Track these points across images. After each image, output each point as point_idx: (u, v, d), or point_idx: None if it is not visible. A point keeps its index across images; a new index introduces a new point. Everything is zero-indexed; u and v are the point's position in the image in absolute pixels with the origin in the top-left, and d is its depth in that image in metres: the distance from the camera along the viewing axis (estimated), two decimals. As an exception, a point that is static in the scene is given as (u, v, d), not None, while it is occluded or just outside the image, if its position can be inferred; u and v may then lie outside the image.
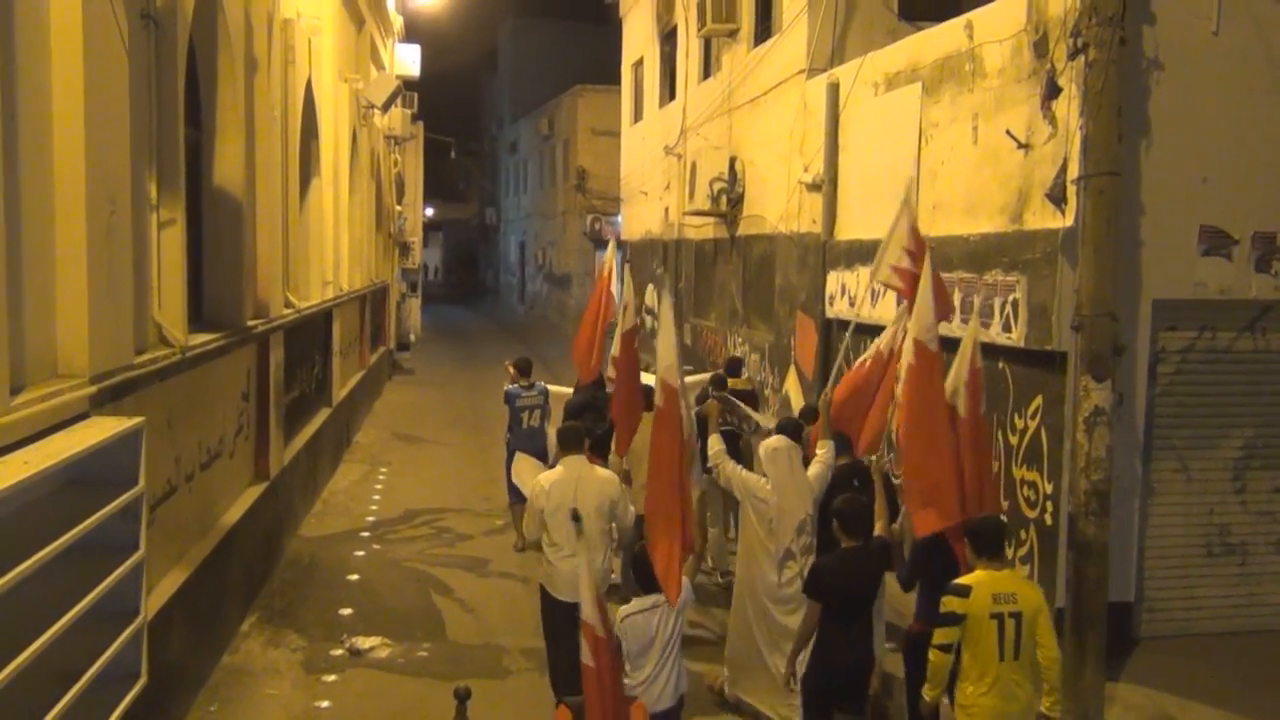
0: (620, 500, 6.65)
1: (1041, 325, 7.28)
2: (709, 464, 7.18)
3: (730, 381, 9.28)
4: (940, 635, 5.16)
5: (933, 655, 5.17)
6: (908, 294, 6.87)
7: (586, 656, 4.67)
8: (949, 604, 5.14)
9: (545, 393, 10.52)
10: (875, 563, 5.96)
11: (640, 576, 5.47)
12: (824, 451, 6.91)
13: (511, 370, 10.48)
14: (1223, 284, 7.42)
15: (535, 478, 6.85)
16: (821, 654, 5.82)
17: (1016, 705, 5.11)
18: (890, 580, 6.41)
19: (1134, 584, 7.55)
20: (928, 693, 5.28)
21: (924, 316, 6.34)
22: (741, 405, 9.09)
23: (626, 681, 5.15)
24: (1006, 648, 5.05)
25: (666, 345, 6.30)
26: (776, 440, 6.79)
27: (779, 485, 6.60)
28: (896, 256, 7.04)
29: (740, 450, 8.29)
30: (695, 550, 6.26)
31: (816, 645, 5.88)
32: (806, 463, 6.85)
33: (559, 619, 6.34)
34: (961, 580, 5.21)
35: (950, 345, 6.55)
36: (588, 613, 4.57)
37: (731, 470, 6.92)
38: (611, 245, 11.44)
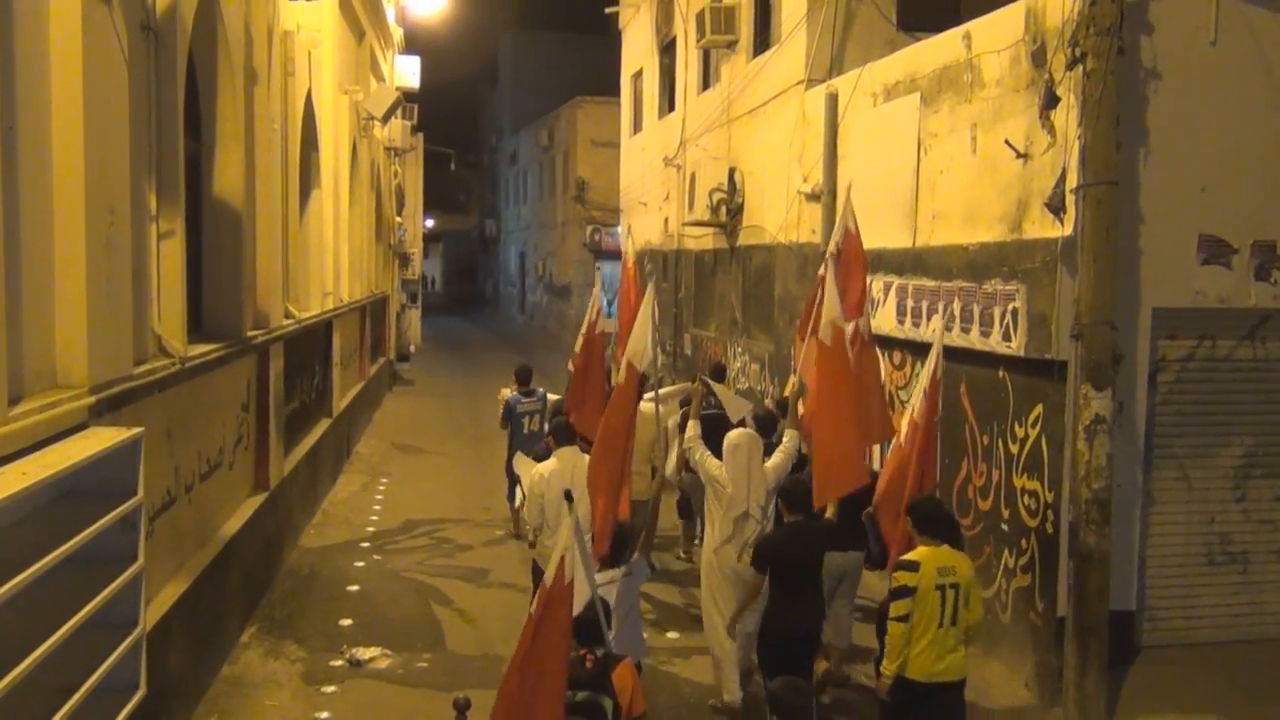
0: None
1: (1041, 334, 7.28)
2: (684, 446, 7.45)
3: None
4: (896, 608, 5.69)
5: (890, 627, 5.69)
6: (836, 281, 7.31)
7: (534, 607, 4.71)
8: (901, 578, 5.71)
9: (544, 399, 10.68)
10: (817, 536, 6.60)
11: (612, 553, 6.08)
12: (789, 441, 7.23)
13: (505, 393, 10.85)
14: (1222, 292, 7.42)
15: (534, 468, 7.48)
16: (773, 620, 6.39)
17: (944, 664, 5.73)
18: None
19: (1135, 593, 7.54)
20: (886, 667, 5.76)
21: (833, 307, 6.93)
22: (720, 391, 9.23)
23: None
24: (946, 614, 5.65)
25: (640, 333, 7.00)
26: (738, 435, 7.18)
27: (733, 477, 7.00)
28: (832, 248, 7.89)
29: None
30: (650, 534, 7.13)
31: (768, 613, 6.48)
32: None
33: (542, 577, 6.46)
34: (909, 556, 5.76)
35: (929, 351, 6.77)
36: (549, 574, 4.61)
37: (700, 455, 7.21)
38: (629, 246, 11.16)
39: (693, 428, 7.35)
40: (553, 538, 6.60)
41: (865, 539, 7.27)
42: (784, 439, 7.30)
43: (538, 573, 6.71)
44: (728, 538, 6.96)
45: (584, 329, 8.97)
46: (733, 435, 7.19)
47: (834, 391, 6.84)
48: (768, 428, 7.51)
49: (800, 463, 7.45)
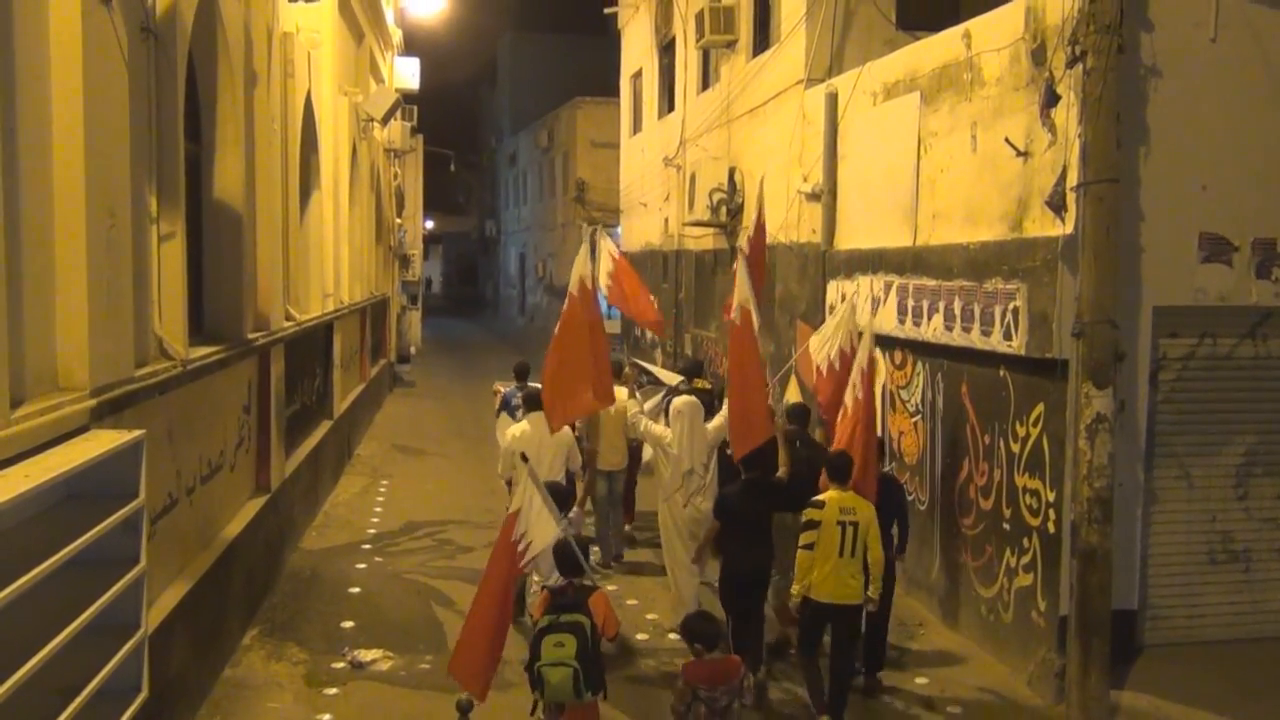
0: (571, 448, 8.79)
1: (1042, 333, 7.28)
2: (629, 421, 9.01)
3: (695, 382, 10.01)
4: (803, 538, 6.86)
5: (799, 555, 6.85)
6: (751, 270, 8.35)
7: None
8: (810, 514, 6.86)
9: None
10: (769, 492, 7.58)
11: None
12: (725, 410, 8.38)
13: (500, 387, 11.13)
14: (1223, 290, 7.42)
15: (510, 429, 8.94)
16: (730, 564, 7.46)
17: (846, 590, 6.80)
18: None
19: (1137, 591, 7.54)
20: (794, 587, 6.89)
21: (743, 291, 7.91)
22: (652, 369, 11.19)
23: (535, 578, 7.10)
24: (845, 547, 6.76)
25: (582, 259, 7.95)
26: (681, 402, 8.61)
27: (679, 438, 8.42)
28: (743, 240, 8.89)
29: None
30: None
31: (726, 558, 7.51)
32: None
33: None
34: (818, 497, 6.95)
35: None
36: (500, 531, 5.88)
37: (645, 426, 8.71)
38: (605, 241, 11.19)
39: (633, 406, 9.01)
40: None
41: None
42: (722, 406, 8.54)
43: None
44: (677, 489, 8.42)
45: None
46: (677, 402, 8.63)
47: (742, 362, 7.78)
48: (706, 398, 9.04)
49: (819, 451, 8.17)
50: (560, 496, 6.67)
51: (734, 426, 7.68)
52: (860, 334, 8.31)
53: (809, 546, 6.77)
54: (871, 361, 7.97)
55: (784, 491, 7.59)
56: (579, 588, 5.92)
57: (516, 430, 8.83)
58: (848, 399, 7.89)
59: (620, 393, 9.16)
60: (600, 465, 10.10)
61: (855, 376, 7.89)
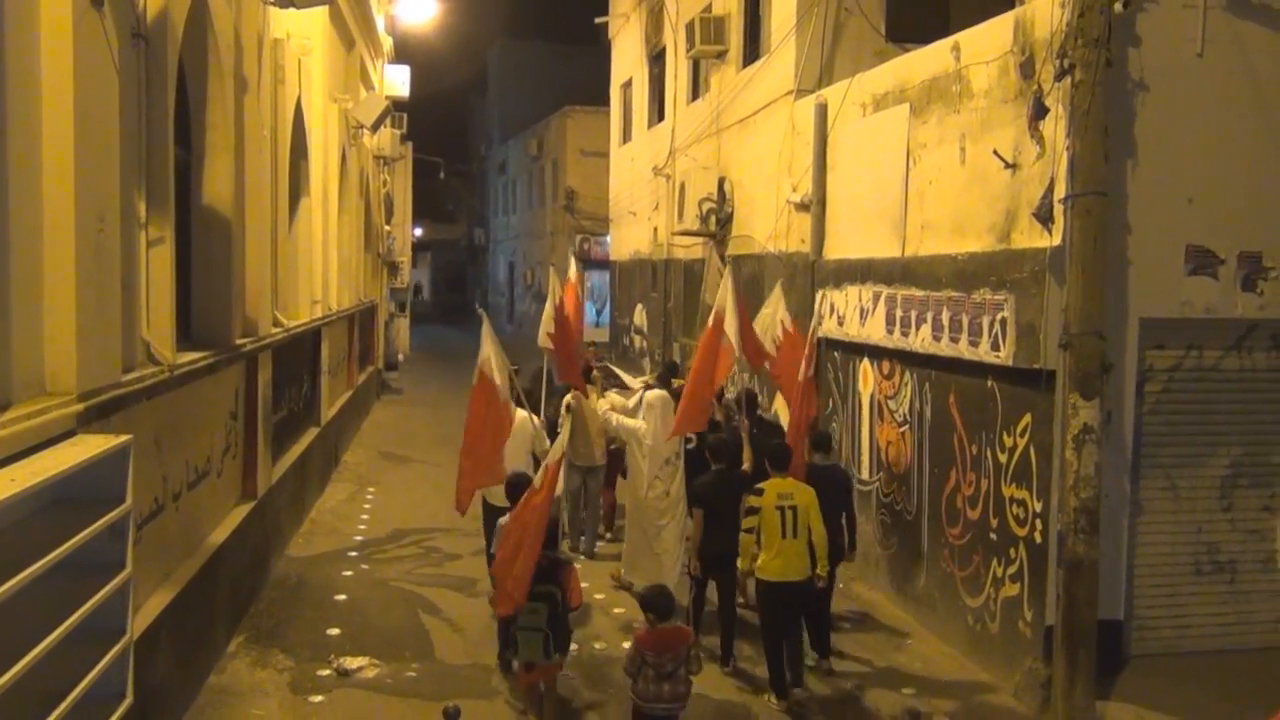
0: (536, 436, 9.04)
1: (1029, 344, 7.31)
2: (601, 419, 9.81)
3: (674, 382, 10.59)
4: (745, 522, 7.52)
5: (742, 538, 7.53)
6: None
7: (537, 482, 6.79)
8: (751, 501, 7.53)
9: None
10: (737, 481, 8.13)
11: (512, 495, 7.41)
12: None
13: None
14: (1209, 303, 7.47)
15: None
16: (703, 545, 8.00)
17: (792, 568, 7.39)
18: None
19: (1123, 602, 7.56)
20: (740, 564, 7.67)
21: (725, 296, 8.62)
22: (620, 374, 11.66)
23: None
24: (786, 529, 7.37)
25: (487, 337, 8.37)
26: (653, 396, 9.37)
27: (652, 430, 9.10)
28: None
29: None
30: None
31: (701, 540, 8.02)
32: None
33: (495, 520, 7.85)
34: (759, 485, 7.58)
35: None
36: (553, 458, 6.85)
37: (617, 421, 9.52)
38: (571, 264, 11.90)
39: (604, 404, 9.88)
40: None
41: None
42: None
43: (486, 506, 8.88)
44: (655, 477, 9.07)
45: (551, 311, 10.08)
46: (649, 396, 9.39)
47: (705, 357, 8.61)
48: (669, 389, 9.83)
49: (775, 430, 9.20)
50: (525, 484, 7.17)
51: (684, 409, 8.53)
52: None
53: (750, 530, 7.49)
54: (812, 348, 9.03)
55: (749, 481, 8.07)
56: (554, 560, 6.69)
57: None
58: (794, 392, 8.79)
59: (592, 395, 10.08)
60: (574, 459, 10.17)
61: (803, 365, 8.78)
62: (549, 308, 10.05)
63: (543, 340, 10.04)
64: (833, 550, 7.73)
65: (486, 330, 8.40)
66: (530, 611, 6.46)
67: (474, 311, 53.47)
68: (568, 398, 10.41)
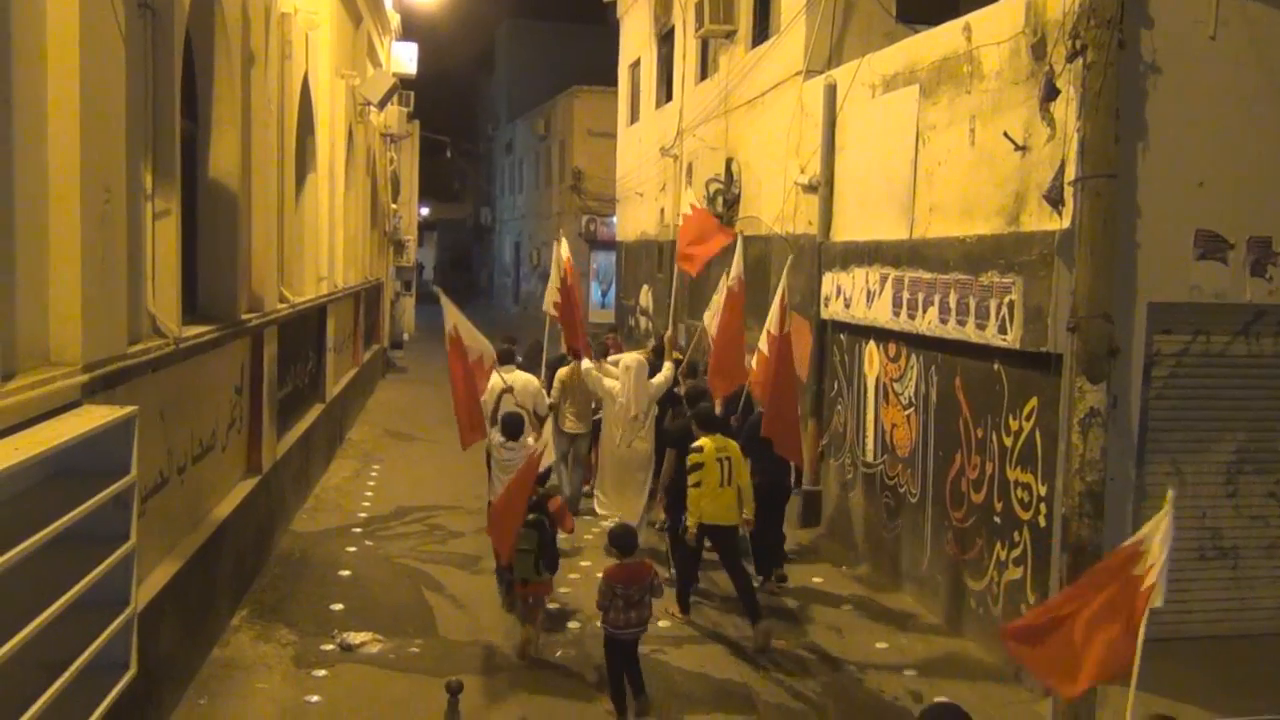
0: (538, 395, 10.39)
1: (1037, 327, 7.28)
2: (584, 375, 10.45)
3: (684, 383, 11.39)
4: (692, 478, 8.35)
5: (691, 493, 8.35)
6: (693, 270, 11.51)
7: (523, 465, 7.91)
8: (694, 459, 8.37)
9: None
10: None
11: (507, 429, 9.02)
12: (667, 368, 10.53)
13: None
14: (1218, 288, 7.42)
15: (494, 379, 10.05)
16: (675, 480, 8.92)
17: (725, 513, 8.38)
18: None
19: (1126, 587, 7.54)
20: (689, 521, 8.37)
21: (739, 266, 10.14)
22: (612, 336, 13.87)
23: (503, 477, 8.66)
24: (723, 478, 8.34)
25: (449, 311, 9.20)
26: (629, 358, 10.35)
27: (625, 389, 9.99)
28: (685, 244, 11.34)
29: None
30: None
31: (673, 480, 9.01)
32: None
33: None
34: (698, 443, 8.47)
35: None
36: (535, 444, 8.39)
37: (595, 377, 10.30)
38: (563, 244, 12.33)
39: (586, 363, 10.55)
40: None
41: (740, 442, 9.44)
42: (664, 368, 10.55)
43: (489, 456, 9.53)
44: (622, 433, 10.02)
45: (556, 282, 11.57)
46: (625, 359, 10.41)
47: (731, 322, 10.21)
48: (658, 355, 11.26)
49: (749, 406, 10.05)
50: (518, 422, 8.96)
51: (715, 370, 9.97)
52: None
53: (697, 485, 8.30)
54: (784, 328, 9.61)
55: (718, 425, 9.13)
56: (543, 494, 8.02)
57: (495, 379, 9.91)
58: (763, 345, 9.69)
59: (586, 363, 10.81)
60: (563, 426, 11.15)
61: (773, 316, 9.68)
62: (554, 277, 11.12)
63: (547, 307, 11.06)
64: (781, 491, 9.56)
65: (446, 304, 9.25)
66: (523, 537, 7.61)
67: (480, 292, 53.57)
68: (561, 372, 11.41)
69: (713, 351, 10.21)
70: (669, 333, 11.86)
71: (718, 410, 9.86)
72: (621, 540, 7.10)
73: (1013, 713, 7.16)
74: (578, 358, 11.09)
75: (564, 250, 11.92)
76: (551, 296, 11.32)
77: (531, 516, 7.68)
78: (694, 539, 8.43)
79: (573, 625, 8.39)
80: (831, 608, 9.03)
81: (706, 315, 11.44)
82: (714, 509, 8.32)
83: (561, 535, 8.28)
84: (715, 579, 9.37)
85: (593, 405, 11.29)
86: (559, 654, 7.92)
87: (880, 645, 8.21)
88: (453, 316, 9.08)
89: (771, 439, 9.09)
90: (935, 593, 8.77)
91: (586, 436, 11.64)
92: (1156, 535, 4.98)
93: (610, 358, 11.22)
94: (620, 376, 10.12)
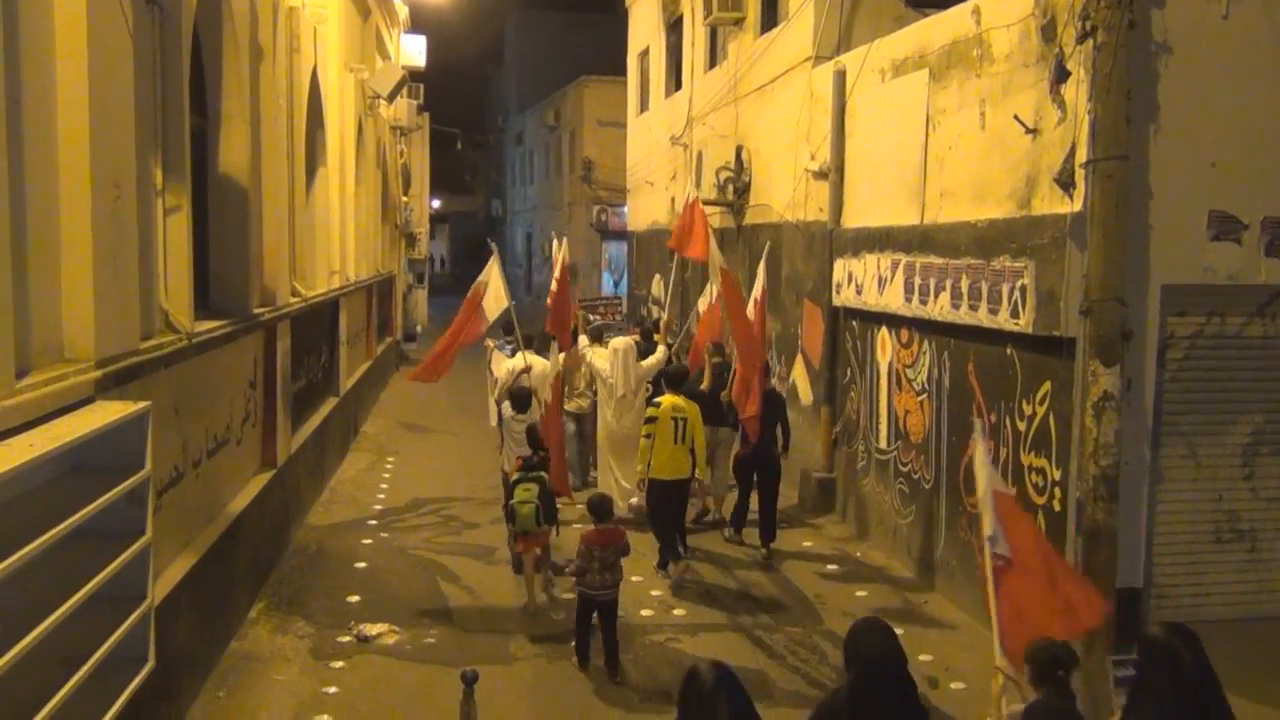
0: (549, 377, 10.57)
1: (1049, 311, 7.25)
2: (580, 354, 11.37)
3: (655, 337, 12.70)
4: (644, 430, 9.32)
5: (642, 443, 9.29)
6: (694, 256, 11.78)
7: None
8: (649, 413, 9.34)
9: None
10: (694, 398, 9.73)
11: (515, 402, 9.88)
12: (660, 351, 11.35)
13: (491, 344, 11.88)
14: (1232, 269, 7.37)
15: (505, 363, 10.96)
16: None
17: (679, 469, 9.26)
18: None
19: (1142, 570, 7.52)
20: (638, 465, 9.37)
21: (716, 257, 10.76)
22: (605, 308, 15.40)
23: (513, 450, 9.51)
24: (677, 436, 9.18)
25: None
26: (619, 341, 11.17)
27: (614, 370, 10.83)
28: (678, 228, 11.94)
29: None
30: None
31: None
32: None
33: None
34: (657, 399, 9.49)
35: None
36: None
37: (590, 358, 11.21)
38: (563, 243, 13.01)
39: (583, 342, 11.42)
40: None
41: (729, 417, 10.40)
42: (657, 350, 11.39)
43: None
44: (613, 410, 10.86)
45: (557, 273, 12.15)
46: (615, 342, 11.15)
47: (739, 310, 10.48)
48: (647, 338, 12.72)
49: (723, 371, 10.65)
50: (527, 397, 9.81)
51: (743, 356, 10.03)
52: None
53: (649, 436, 9.24)
54: (762, 298, 11.11)
55: (704, 397, 10.11)
56: (540, 457, 8.68)
57: (516, 362, 10.73)
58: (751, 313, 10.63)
59: (582, 341, 11.63)
60: (567, 406, 11.75)
61: (753, 300, 10.95)
62: (558, 270, 11.99)
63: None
64: (771, 462, 10.05)
65: (494, 260, 10.13)
66: (524, 490, 8.35)
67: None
68: (561, 356, 11.78)
69: (738, 352, 10.31)
70: (665, 317, 12.70)
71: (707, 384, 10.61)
72: (598, 508, 7.67)
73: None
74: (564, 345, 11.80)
75: (562, 249, 12.52)
76: (552, 286, 12.45)
77: (533, 474, 8.44)
78: (641, 486, 9.47)
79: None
80: (847, 596, 9.02)
81: (701, 302, 12.27)
82: (663, 464, 9.16)
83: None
84: (733, 571, 9.38)
85: (593, 386, 11.95)
86: (559, 616, 8.39)
87: (898, 632, 8.19)
88: (491, 273, 10.03)
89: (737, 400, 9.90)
90: (949, 577, 8.76)
91: (589, 416, 12.17)
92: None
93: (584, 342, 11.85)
94: (610, 358, 10.94)
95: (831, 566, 9.77)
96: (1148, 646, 4.00)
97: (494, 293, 10.27)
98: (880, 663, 4.03)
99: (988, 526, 5.28)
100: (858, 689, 4.00)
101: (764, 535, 9.95)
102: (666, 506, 9.34)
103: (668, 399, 9.34)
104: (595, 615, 7.49)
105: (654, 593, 8.96)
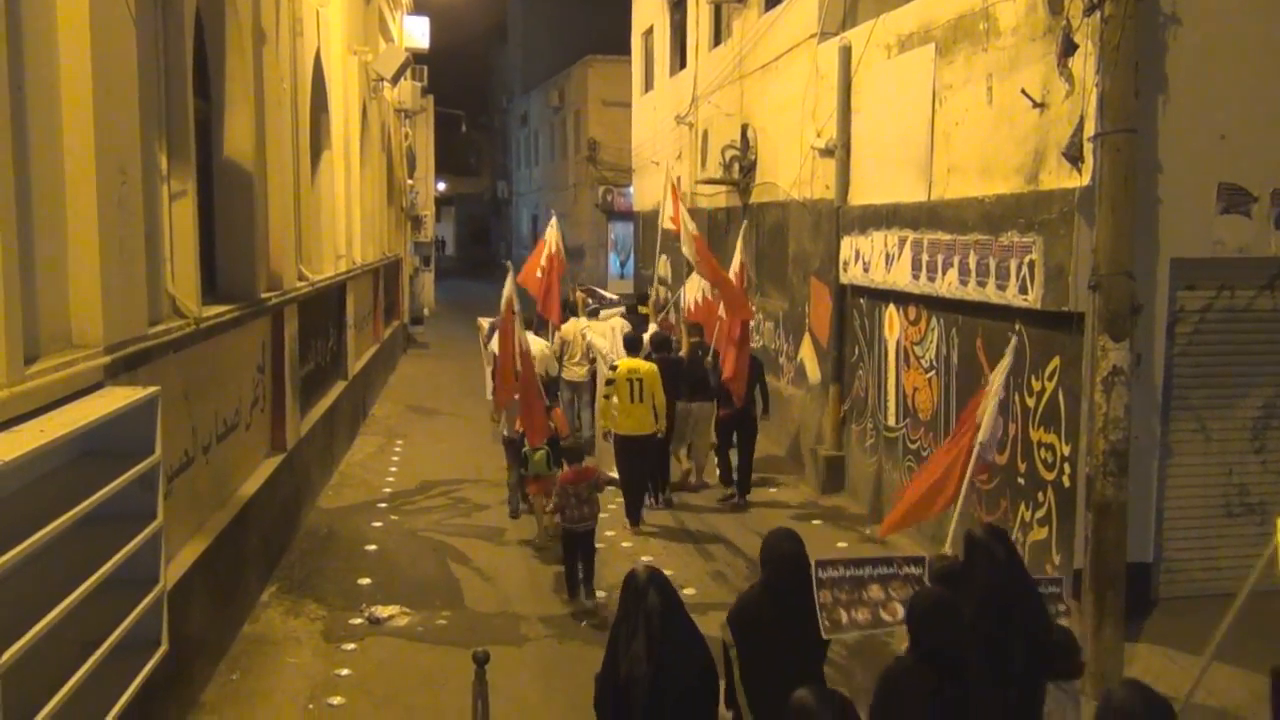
0: (548, 360, 11.67)
1: (1058, 286, 7.22)
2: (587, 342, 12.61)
3: (639, 309, 14.43)
4: (604, 391, 10.33)
5: (600, 402, 10.51)
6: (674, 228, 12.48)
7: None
8: (609, 375, 10.31)
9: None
10: (672, 365, 10.95)
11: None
12: (652, 329, 12.24)
13: (484, 324, 12.38)
14: (1241, 242, 7.32)
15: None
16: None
17: (639, 425, 10.08)
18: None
19: (1152, 544, 7.52)
20: (599, 422, 10.74)
21: (688, 224, 11.85)
22: (599, 291, 16.55)
23: None
24: (634, 395, 10.04)
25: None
26: (615, 321, 12.46)
27: (613, 346, 11.81)
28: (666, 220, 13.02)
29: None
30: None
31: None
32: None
33: (514, 447, 10.20)
34: (616, 362, 10.43)
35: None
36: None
37: (592, 338, 12.52)
38: (553, 224, 13.76)
39: (583, 322, 12.81)
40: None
41: (711, 392, 11.18)
42: (649, 329, 12.45)
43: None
44: (607, 380, 11.12)
45: (543, 260, 13.01)
46: (612, 321, 12.49)
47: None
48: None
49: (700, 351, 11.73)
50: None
51: (730, 306, 10.91)
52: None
53: (607, 396, 10.19)
54: (742, 270, 11.86)
55: (681, 366, 11.26)
56: (547, 406, 9.45)
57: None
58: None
59: (580, 321, 12.91)
60: (565, 376, 12.77)
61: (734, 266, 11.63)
62: (543, 252, 12.78)
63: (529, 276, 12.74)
64: (749, 421, 10.97)
65: (510, 279, 9.98)
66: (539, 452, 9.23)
67: (499, 265, 53.58)
68: (564, 329, 13.15)
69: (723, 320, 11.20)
70: (654, 297, 14.05)
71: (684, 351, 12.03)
72: (570, 453, 8.71)
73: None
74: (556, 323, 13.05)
75: (553, 231, 13.26)
76: (532, 269, 13.01)
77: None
78: (604, 437, 10.60)
79: (600, 593, 8.43)
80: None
81: (687, 285, 12.99)
82: (628, 422, 10.07)
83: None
84: (724, 548, 9.40)
85: (589, 356, 12.98)
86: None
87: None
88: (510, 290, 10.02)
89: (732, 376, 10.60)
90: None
91: (586, 385, 13.13)
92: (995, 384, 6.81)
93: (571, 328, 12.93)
94: (606, 335, 12.32)
95: (841, 544, 9.78)
96: (969, 543, 4.87)
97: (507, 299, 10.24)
98: (790, 560, 4.98)
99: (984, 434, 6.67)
100: (771, 583, 4.99)
101: (740, 488, 11.02)
102: (631, 461, 10.20)
103: (624, 363, 10.29)
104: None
105: (625, 544, 9.52)
